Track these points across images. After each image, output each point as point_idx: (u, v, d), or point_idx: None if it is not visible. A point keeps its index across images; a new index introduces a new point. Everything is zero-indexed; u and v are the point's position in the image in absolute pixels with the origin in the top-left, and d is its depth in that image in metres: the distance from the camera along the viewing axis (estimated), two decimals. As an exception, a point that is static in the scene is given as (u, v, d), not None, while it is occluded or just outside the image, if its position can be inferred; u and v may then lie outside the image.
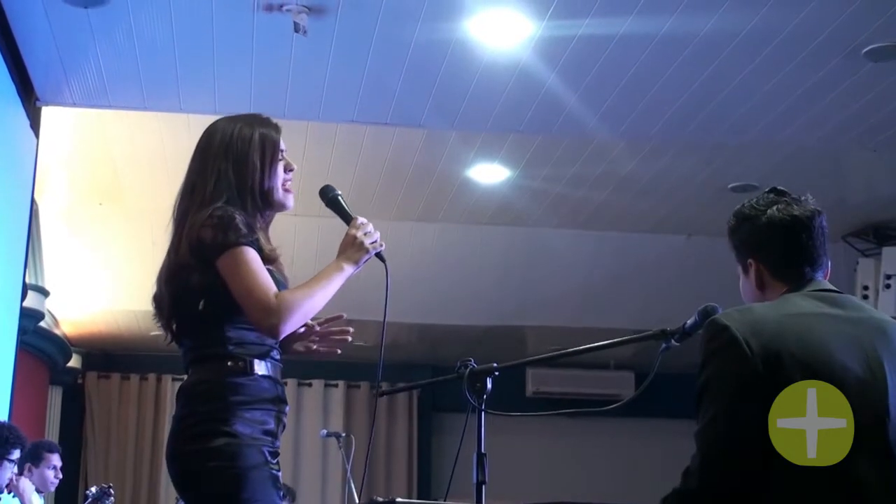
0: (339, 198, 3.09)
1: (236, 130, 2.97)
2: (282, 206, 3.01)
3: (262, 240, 2.89)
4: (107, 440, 10.89)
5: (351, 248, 2.94)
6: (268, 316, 2.74)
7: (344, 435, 7.92)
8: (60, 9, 5.22)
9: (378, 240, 2.98)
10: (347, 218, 3.03)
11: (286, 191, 3.01)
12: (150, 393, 11.01)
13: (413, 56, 5.67)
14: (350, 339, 3.13)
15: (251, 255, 2.78)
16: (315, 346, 3.12)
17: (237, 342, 2.80)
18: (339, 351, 3.14)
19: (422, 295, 9.16)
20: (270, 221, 3.04)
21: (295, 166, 3.06)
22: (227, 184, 2.89)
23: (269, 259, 2.87)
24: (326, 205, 3.10)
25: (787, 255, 2.47)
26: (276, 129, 3.04)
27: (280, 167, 2.99)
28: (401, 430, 11.42)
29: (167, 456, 2.81)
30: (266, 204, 2.96)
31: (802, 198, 2.51)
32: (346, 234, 2.97)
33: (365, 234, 2.95)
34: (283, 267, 2.98)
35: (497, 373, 2.98)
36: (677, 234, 8.74)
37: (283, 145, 3.02)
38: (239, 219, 2.80)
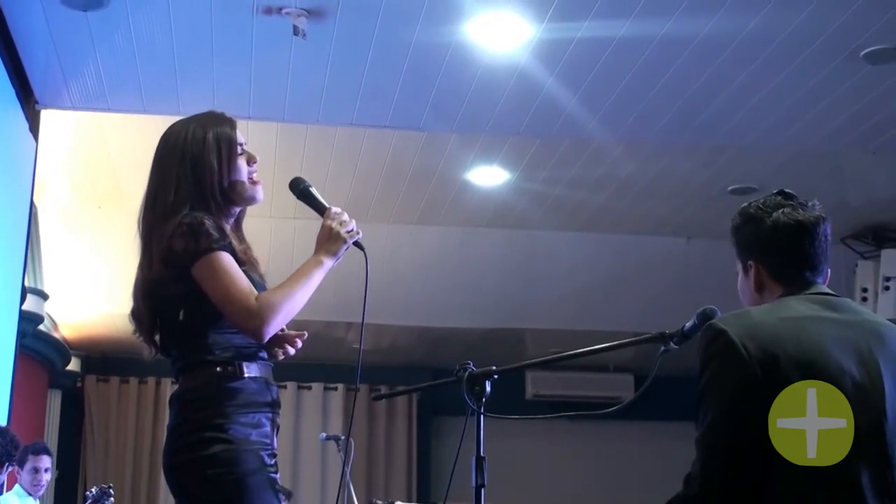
0: (311, 189, 3.03)
1: (189, 134, 2.91)
2: (251, 200, 2.97)
3: (235, 241, 2.86)
4: (106, 444, 10.88)
5: (328, 241, 2.89)
6: (250, 319, 2.71)
7: (343, 438, 7.92)
8: (59, 12, 5.22)
9: (355, 228, 2.93)
10: (321, 209, 2.98)
11: (253, 183, 2.96)
12: (149, 396, 11.00)
13: (412, 59, 5.67)
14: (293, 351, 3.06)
15: (226, 259, 2.75)
16: (282, 356, 3.05)
17: (223, 347, 2.78)
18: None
19: (421, 298, 9.17)
20: (241, 218, 3.01)
21: (258, 157, 3.00)
22: (188, 189, 2.85)
23: (242, 261, 2.84)
24: (298, 197, 3.04)
25: (789, 259, 2.47)
26: (231, 124, 2.98)
27: (241, 161, 2.94)
28: (400, 433, 11.41)
29: (164, 466, 2.79)
30: (229, 201, 2.92)
31: (810, 203, 2.50)
32: (322, 227, 2.93)
33: (340, 223, 2.91)
34: (260, 266, 2.95)
35: (496, 376, 2.97)
36: (677, 237, 8.74)
37: (241, 138, 2.97)
38: (208, 224, 2.77)
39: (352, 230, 2.93)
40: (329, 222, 2.92)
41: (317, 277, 2.85)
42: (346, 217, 2.94)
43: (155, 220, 2.85)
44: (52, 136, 6.73)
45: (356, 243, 2.94)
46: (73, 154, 7.38)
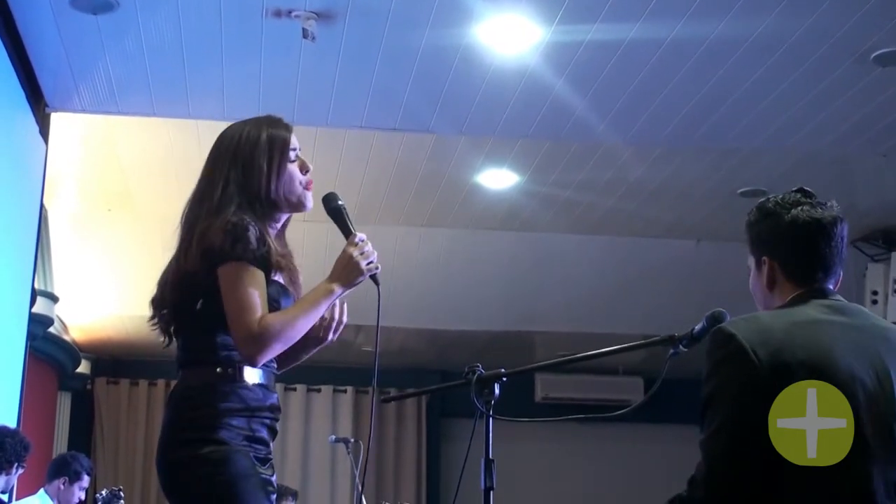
0: (343, 209, 2.99)
1: (244, 134, 2.91)
2: (300, 206, 2.94)
3: (275, 247, 2.83)
4: (115, 446, 10.90)
5: (346, 268, 2.86)
6: (246, 345, 2.70)
7: (353, 441, 7.92)
8: (70, 15, 5.23)
9: (375, 260, 2.90)
10: (347, 231, 2.95)
11: (306, 189, 2.93)
12: (159, 398, 11.01)
13: (421, 62, 5.67)
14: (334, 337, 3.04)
15: (250, 273, 2.73)
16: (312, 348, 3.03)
17: (229, 347, 2.77)
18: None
19: (430, 300, 9.17)
20: (286, 224, 2.99)
21: (311, 166, 2.99)
22: (236, 189, 2.84)
23: (279, 267, 2.82)
24: (328, 213, 3.01)
25: (803, 259, 2.44)
26: (287, 128, 2.96)
27: (293, 167, 2.92)
28: (409, 436, 11.42)
29: (157, 463, 2.79)
30: (274, 207, 2.90)
31: (828, 203, 2.47)
32: (343, 252, 2.89)
33: (362, 253, 2.88)
34: (299, 273, 2.92)
35: (505, 378, 2.96)
36: (686, 240, 8.73)
37: (295, 143, 2.95)
38: (252, 231, 2.75)
39: (371, 263, 2.89)
40: (351, 249, 2.89)
41: (323, 306, 2.83)
42: (369, 247, 2.90)
43: (199, 216, 2.84)
44: (62, 139, 6.74)
45: (372, 277, 2.90)
46: (83, 157, 7.39)
